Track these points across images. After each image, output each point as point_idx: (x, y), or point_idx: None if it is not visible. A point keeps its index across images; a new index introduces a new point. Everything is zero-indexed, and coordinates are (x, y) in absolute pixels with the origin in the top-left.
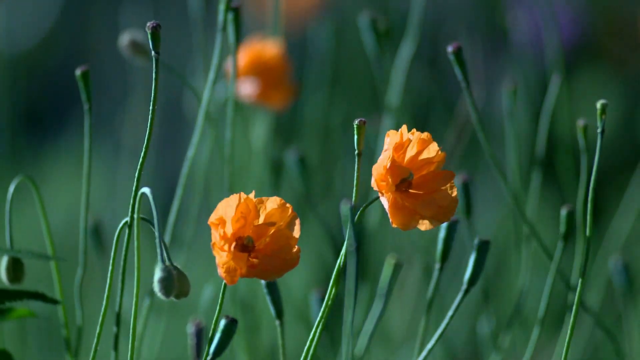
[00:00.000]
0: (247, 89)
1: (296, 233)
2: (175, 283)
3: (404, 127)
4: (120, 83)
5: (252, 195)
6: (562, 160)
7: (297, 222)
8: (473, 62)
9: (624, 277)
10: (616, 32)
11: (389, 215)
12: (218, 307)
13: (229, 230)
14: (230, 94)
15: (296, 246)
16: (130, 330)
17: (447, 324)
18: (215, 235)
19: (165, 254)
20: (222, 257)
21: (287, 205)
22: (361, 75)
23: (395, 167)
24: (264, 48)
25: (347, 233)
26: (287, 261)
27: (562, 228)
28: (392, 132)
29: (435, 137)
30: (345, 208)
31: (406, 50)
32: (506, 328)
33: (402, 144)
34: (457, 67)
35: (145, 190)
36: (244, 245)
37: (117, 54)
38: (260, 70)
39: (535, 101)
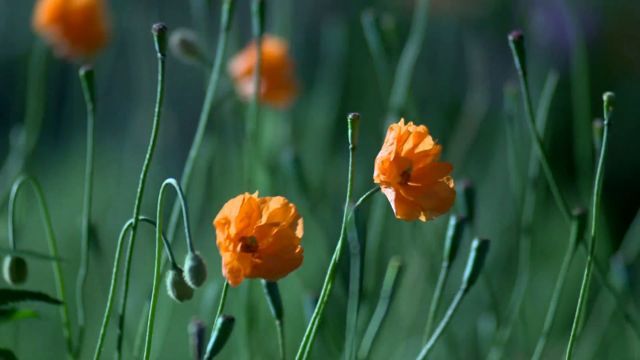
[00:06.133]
0: (251, 88)
1: (299, 233)
2: (205, 272)
3: (402, 120)
4: (123, 83)
5: (255, 195)
6: (581, 160)
7: (300, 222)
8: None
9: (625, 278)
10: (626, 34)
11: (393, 207)
12: (220, 308)
13: (233, 230)
14: (255, 89)
15: (299, 246)
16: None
17: (447, 323)
18: (221, 236)
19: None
20: (226, 257)
21: (290, 205)
22: (366, 77)
23: (398, 159)
24: (267, 48)
25: (352, 234)
26: (290, 261)
27: (573, 232)
28: (395, 125)
29: (438, 137)
30: (348, 209)
31: (411, 51)
32: (505, 327)
33: (401, 137)
34: (516, 56)
35: (171, 181)
36: (247, 245)
37: (119, 53)
38: (264, 70)
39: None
